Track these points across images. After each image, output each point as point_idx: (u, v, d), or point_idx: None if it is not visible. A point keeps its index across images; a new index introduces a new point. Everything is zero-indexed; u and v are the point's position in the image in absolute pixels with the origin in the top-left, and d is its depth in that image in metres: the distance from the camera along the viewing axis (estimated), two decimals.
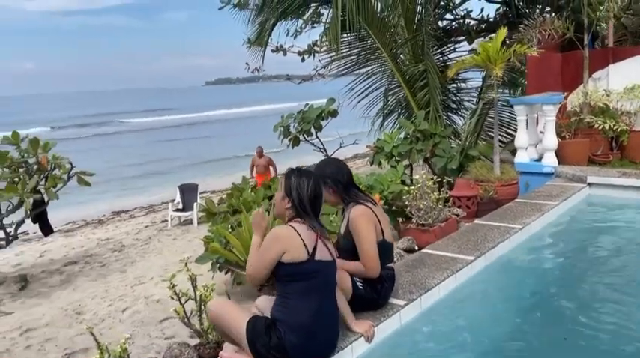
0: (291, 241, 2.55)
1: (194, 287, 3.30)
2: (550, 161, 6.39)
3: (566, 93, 7.06)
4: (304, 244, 2.55)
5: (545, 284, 3.98)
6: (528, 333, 3.27)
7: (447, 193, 5.65)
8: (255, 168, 12.05)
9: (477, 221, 4.94)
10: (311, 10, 11.35)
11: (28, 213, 7.93)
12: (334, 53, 10.22)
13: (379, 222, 3.07)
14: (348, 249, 3.03)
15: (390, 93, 9.90)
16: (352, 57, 10.03)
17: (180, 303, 3.20)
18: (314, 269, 2.56)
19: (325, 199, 3.00)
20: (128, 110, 62.10)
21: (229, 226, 6.75)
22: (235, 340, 2.59)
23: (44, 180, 8.02)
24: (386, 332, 3.01)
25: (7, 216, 7.91)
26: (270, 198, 7.53)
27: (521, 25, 7.37)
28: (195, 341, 3.66)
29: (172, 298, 3.21)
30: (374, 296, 3.06)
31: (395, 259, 4.25)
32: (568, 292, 3.79)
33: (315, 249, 2.58)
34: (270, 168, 11.95)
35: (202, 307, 3.25)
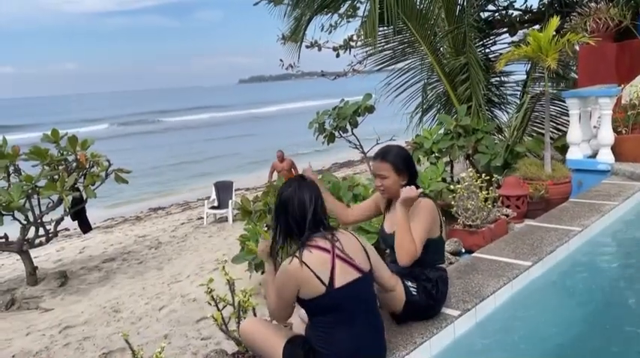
0: (302, 276, 2.23)
1: (232, 292, 3.13)
2: (606, 158, 5.97)
3: (622, 85, 6.61)
4: (317, 276, 2.23)
5: (608, 292, 3.66)
6: (591, 344, 2.98)
7: (495, 192, 5.33)
8: (277, 174, 11.74)
9: (530, 222, 4.63)
10: (347, 4, 11.11)
11: (67, 210, 7.98)
12: (370, 47, 9.97)
13: (439, 217, 2.88)
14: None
15: (429, 87, 9.58)
16: (389, 51, 9.74)
17: (218, 309, 3.04)
18: (338, 299, 2.26)
19: (387, 186, 2.83)
20: (165, 109, 63.10)
21: (265, 225, 6.61)
22: None
23: (82, 177, 8.06)
24: (440, 346, 2.76)
25: (47, 214, 7.98)
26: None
27: (574, 13, 6.94)
28: (232, 343, 3.50)
29: (210, 304, 3.05)
30: (430, 303, 2.80)
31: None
32: (634, 300, 3.46)
33: (332, 275, 2.25)
34: (293, 171, 11.64)
35: (241, 313, 3.08)
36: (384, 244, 3.06)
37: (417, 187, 2.80)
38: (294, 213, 2.34)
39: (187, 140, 34.25)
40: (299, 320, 2.67)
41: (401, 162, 2.85)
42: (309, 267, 2.23)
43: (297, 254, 2.28)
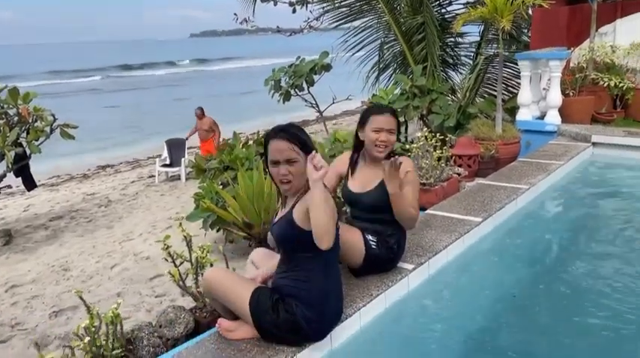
0: None
1: (189, 248, 3.10)
2: (554, 119, 6.20)
3: (571, 49, 6.81)
4: None
5: (554, 245, 3.88)
6: (538, 294, 3.17)
7: (448, 151, 5.45)
8: (197, 134, 11.45)
9: (481, 181, 4.77)
10: None
11: (10, 166, 7.60)
12: (327, 3, 9.80)
13: None
14: (378, 205, 2.81)
15: (385, 46, 9.55)
16: (346, 8, 9.61)
17: (175, 265, 3.01)
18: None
19: (392, 142, 2.82)
20: (111, 63, 60.18)
21: (220, 182, 6.54)
22: (236, 314, 2.40)
23: (25, 132, 7.66)
24: (394, 298, 2.85)
25: None
26: (262, 154, 7.28)
27: None
28: (188, 299, 3.49)
29: (167, 260, 3.01)
30: (390, 257, 2.89)
31: None
32: (577, 253, 3.68)
33: None
34: (215, 132, 11.29)
35: (198, 270, 3.07)
36: (350, 202, 3.05)
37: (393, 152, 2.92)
38: None
39: (137, 97, 33.01)
40: (251, 266, 2.69)
41: (399, 122, 2.94)
42: None
43: None
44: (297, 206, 2.26)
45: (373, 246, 2.81)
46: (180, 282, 3.03)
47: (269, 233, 2.47)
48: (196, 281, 3.08)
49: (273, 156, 2.30)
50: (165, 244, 3.00)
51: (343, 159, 3.11)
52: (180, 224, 3.11)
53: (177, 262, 3.08)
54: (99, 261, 6.64)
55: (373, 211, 2.89)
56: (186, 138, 11.67)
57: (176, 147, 11.45)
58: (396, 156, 2.72)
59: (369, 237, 2.80)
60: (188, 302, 3.49)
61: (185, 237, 3.10)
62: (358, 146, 2.97)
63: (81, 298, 2.70)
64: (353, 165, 3.04)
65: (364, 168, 2.98)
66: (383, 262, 2.87)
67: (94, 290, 5.71)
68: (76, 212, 9.24)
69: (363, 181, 2.94)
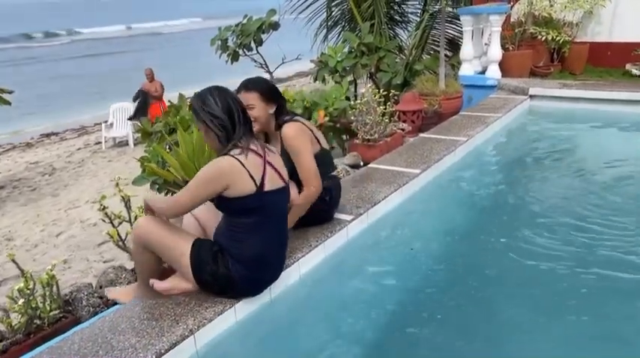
0: (235, 175, 2.24)
1: (128, 208, 3.07)
2: (494, 73, 6.35)
3: (511, 3, 6.92)
4: (251, 176, 2.26)
5: (489, 194, 4.02)
6: (473, 243, 3.30)
7: (392, 107, 5.52)
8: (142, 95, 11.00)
9: (422, 135, 4.88)
10: None
11: None
12: None
13: (312, 131, 2.89)
14: (290, 173, 2.79)
15: (333, 3, 9.43)
16: None
17: (113, 226, 2.99)
18: (265, 201, 2.32)
19: (255, 116, 2.71)
20: (50, 23, 56.90)
21: (166, 145, 6.42)
22: (171, 265, 2.42)
23: None
24: (333, 248, 2.94)
25: None
26: None
27: None
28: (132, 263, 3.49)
29: (104, 221, 2.98)
30: (324, 208, 2.95)
31: (341, 175, 4.19)
32: (512, 199, 3.85)
33: (263, 178, 2.30)
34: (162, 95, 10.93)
35: None
36: None
37: (287, 114, 2.86)
38: (222, 116, 2.29)
39: (77, 61, 31.52)
40: (193, 222, 2.64)
41: (267, 91, 2.79)
42: (243, 165, 2.25)
43: (231, 153, 2.28)
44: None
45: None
46: (120, 242, 3.01)
47: None
48: None
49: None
50: (101, 205, 2.96)
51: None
52: (117, 184, 3.06)
53: (116, 222, 3.05)
54: (44, 229, 6.49)
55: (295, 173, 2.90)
56: (137, 98, 11.22)
57: (122, 112, 11.11)
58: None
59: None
60: (132, 264, 3.48)
61: (123, 197, 3.07)
62: None
63: (14, 261, 2.65)
64: (265, 139, 2.98)
65: (271, 141, 2.94)
66: (316, 213, 2.93)
67: (39, 258, 5.60)
68: (19, 181, 8.92)
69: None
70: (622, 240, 3.11)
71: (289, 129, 2.79)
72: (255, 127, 2.68)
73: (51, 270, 2.54)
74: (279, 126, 2.83)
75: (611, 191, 3.86)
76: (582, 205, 3.63)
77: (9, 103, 7.61)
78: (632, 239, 3.13)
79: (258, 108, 2.74)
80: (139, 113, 10.69)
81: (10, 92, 7.62)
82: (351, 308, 2.68)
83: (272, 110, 2.81)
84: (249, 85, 2.78)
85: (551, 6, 6.81)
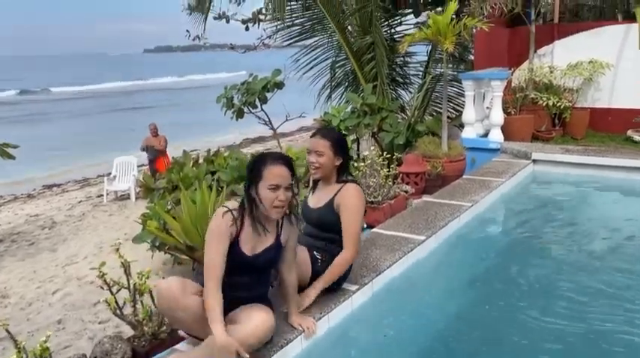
0: None
1: (127, 275, 3.01)
2: (496, 137, 6.40)
3: (512, 69, 7.08)
4: None
5: (495, 260, 3.97)
6: (481, 309, 3.23)
7: (396, 169, 5.53)
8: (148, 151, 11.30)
9: (426, 198, 4.86)
10: None
11: None
12: (279, 22, 9.86)
13: None
14: (326, 223, 2.88)
15: (337, 65, 9.67)
16: (298, 27, 9.71)
17: (112, 293, 2.91)
18: None
19: (322, 162, 2.84)
20: (62, 78, 58.33)
21: (168, 203, 6.40)
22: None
23: None
24: (337, 320, 2.85)
25: None
26: (214, 173, 7.18)
27: None
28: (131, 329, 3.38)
29: (102, 288, 2.91)
30: (345, 274, 2.95)
31: None
32: (518, 266, 3.78)
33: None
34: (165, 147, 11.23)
35: (137, 296, 2.97)
36: (305, 217, 3.08)
37: (350, 174, 3.00)
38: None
39: (88, 113, 32.10)
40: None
41: (339, 143, 2.92)
42: None
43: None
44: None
45: (319, 264, 2.84)
46: (117, 311, 2.93)
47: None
48: (134, 308, 2.98)
49: (274, 180, 2.33)
50: (100, 271, 2.90)
51: None
52: (118, 250, 3.01)
53: (114, 289, 2.97)
54: (40, 286, 6.38)
55: (322, 228, 2.94)
56: (145, 149, 11.36)
57: (126, 166, 11.18)
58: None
59: (315, 253, 2.84)
60: (130, 330, 3.37)
61: (122, 263, 3.00)
62: None
63: (7, 331, 2.56)
64: (314, 183, 3.10)
65: (320, 188, 3.04)
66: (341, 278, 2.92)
67: (33, 317, 5.47)
68: (18, 235, 8.85)
69: (317, 199, 3.00)
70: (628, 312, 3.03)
71: (356, 189, 2.90)
72: (317, 174, 2.90)
73: (45, 342, 2.45)
74: (341, 181, 2.94)
75: (616, 259, 3.82)
76: (588, 274, 3.58)
77: (13, 158, 7.67)
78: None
79: (326, 156, 2.87)
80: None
81: (15, 147, 7.69)
82: None
83: (338, 162, 2.91)
84: (325, 132, 2.94)
85: (551, 72, 6.96)
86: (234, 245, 2.34)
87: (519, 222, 4.73)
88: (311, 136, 2.96)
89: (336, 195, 2.89)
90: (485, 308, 3.24)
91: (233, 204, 2.42)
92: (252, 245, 2.40)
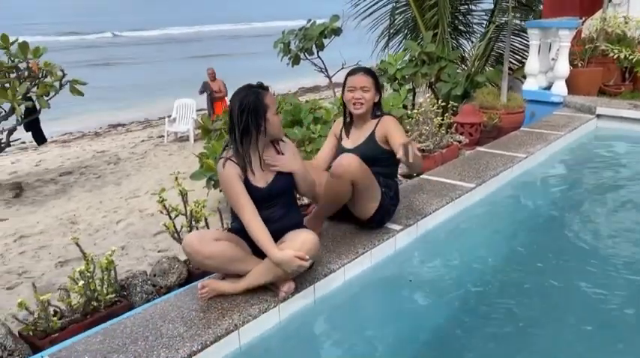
0: None
1: (185, 202, 3.20)
2: (560, 90, 6.14)
3: (583, 19, 6.67)
4: None
5: (545, 215, 3.91)
6: (522, 261, 3.21)
7: (450, 119, 5.46)
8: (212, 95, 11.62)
9: (479, 148, 4.79)
10: None
11: (20, 119, 7.75)
12: None
13: None
14: (369, 156, 2.93)
15: (397, 11, 9.40)
16: None
17: (170, 218, 3.12)
18: None
19: (367, 99, 2.98)
20: (123, 21, 59.55)
21: (225, 144, 6.62)
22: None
23: (35, 87, 7.76)
24: (380, 257, 2.94)
25: None
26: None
27: None
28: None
29: (162, 212, 3.12)
30: (393, 207, 3.11)
31: None
32: (567, 224, 3.71)
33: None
34: (225, 94, 11.55)
35: (193, 222, 3.17)
36: None
37: (381, 110, 3.10)
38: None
39: (149, 57, 32.86)
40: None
41: (378, 80, 3.07)
42: None
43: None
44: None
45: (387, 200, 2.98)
46: (175, 234, 3.14)
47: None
48: (190, 232, 3.19)
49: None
50: (160, 197, 3.10)
51: (336, 124, 3.28)
52: (176, 178, 3.20)
53: (173, 215, 3.18)
54: (105, 215, 6.83)
55: (367, 163, 2.94)
56: (204, 92, 11.78)
57: (186, 108, 11.54)
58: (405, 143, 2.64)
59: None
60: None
61: (180, 191, 3.20)
62: (345, 110, 3.15)
63: (77, 244, 2.82)
64: (347, 127, 3.18)
65: (354, 129, 3.14)
66: (389, 212, 3.06)
67: (100, 243, 5.90)
68: (86, 168, 9.41)
69: (354, 139, 3.11)
70: None
71: (393, 118, 3.06)
72: (361, 110, 3.01)
73: (110, 256, 2.69)
74: (375, 117, 3.06)
75: None
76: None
77: (82, 94, 8.04)
78: None
79: (371, 92, 3.00)
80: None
81: (84, 84, 8.05)
82: (392, 318, 2.67)
83: (377, 98, 3.07)
84: (366, 69, 3.09)
85: (626, 23, 6.51)
86: (246, 184, 2.45)
87: (576, 179, 4.60)
88: (350, 75, 3.04)
89: (375, 128, 3.02)
90: (528, 259, 3.21)
91: (228, 152, 2.52)
92: (263, 178, 2.50)
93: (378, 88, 3.05)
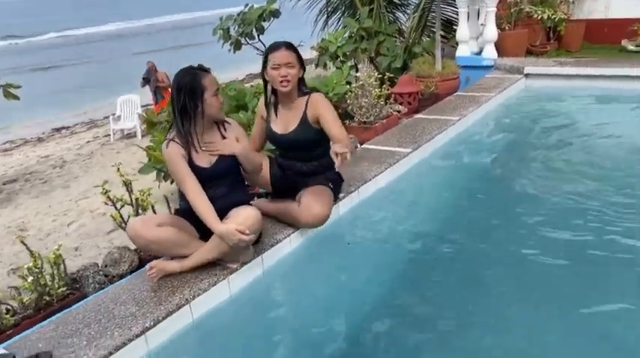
0: None
1: (129, 191, 3.24)
2: (490, 53, 6.40)
3: None
4: None
5: (479, 174, 4.13)
6: (461, 224, 3.36)
7: (388, 90, 5.62)
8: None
9: (417, 116, 4.98)
10: None
11: None
12: None
13: None
14: (309, 141, 2.94)
15: None
16: None
17: (116, 208, 3.15)
18: None
19: (293, 75, 2.84)
20: (66, 20, 57.10)
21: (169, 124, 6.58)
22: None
23: None
24: (324, 224, 3.07)
25: None
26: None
27: None
28: None
29: (106, 204, 3.15)
30: (339, 187, 3.18)
31: None
32: (501, 181, 3.94)
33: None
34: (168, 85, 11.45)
35: (139, 211, 3.22)
36: (277, 144, 3.14)
37: (305, 85, 2.99)
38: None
39: (92, 57, 31.76)
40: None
41: (300, 54, 2.92)
42: None
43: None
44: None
45: (331, 186, 3.05)
46: (123, 224, 3.18)
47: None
48: None
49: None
50: (103, 189, 3.13)
51: (260, 105, 3.16)
52: (118, 169, 3.22)
53: (119, 205, 3.21)
54: (55, 219, 6.71)
55: (307, 149, 3.02)
56: (148, 79, 11.60)
57: (129, 105, 11.33)
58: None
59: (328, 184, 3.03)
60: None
61: (124, 181, 3.23)
62: (266, 87, 3.01)
63: (22, 243, 2.83)
64: (273, 106, 3.05)
65: (283, 109, 3.01)
66: (340, 189, 3.18)
67: (51, 246, 5.75)
68: (31, 174, 9.16)
69: (284, 122, 2.99)
70: (626, 221, 3.02)
71: (321, 95, 2.95)
72: (288, 87, 2.86)
73: (57, 250, 2.72)
74: (302, 94, 2.95)
75: (609, 167, 3.86)
76: (576, 184, 3.61)
77: (17, 98, 7.79)
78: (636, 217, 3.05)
79: (295, 69, 2.86)
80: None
81: (18, 87, 7.80)
82: (338, 282, 2.82)
83: (301, 74, 2.93)
84: (288, 44, 2.89)
85: None
86: (190, 164, 2.51)
87: (508, 135, 4.86)
88: (272, 51, 2.86)
89: (306, 109, 2.91)
90: (467, 218, 3.40)
91: (171, 134, 2.58)
92: (206, 158, 2.57)
93: (302, 63, 2.90)
